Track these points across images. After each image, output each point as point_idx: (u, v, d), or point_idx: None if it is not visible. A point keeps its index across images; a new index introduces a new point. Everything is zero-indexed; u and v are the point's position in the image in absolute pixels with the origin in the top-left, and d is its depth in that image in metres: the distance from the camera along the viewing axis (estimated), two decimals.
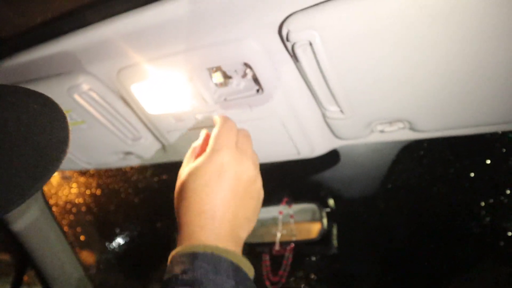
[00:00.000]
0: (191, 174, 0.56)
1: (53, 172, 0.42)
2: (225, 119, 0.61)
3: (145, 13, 0.62)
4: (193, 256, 0.49)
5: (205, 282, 0.47)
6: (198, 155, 0.61)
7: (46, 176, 0.41)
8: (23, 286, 1.50)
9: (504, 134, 1.30)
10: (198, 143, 0.65)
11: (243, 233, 0.57)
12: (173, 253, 0.52)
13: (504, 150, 1.32)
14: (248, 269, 0.52)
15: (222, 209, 0.54)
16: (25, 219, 1.31)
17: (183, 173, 0.58)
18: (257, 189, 0.59)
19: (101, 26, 0.66)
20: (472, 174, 1.38)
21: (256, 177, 0.59)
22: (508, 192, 1.37)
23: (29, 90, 0.45)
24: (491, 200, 1.40)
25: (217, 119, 0.62)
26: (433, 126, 0.72)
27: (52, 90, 0.77)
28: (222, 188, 0.55)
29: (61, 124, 0.44)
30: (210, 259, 0.49)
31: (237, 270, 0.50)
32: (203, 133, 0.66)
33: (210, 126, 0.64)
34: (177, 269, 0.49)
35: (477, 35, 0.51)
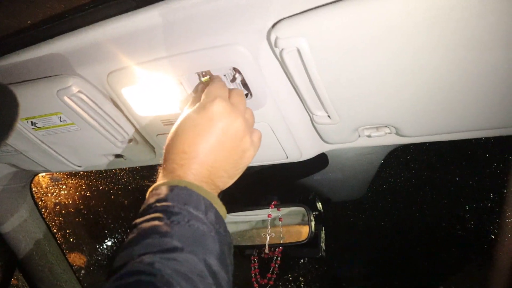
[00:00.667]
0: (183, 119, 0.59)
1: None
2: (218, 77, 0.63)
3: (135, 17, 0.63)
4: (169, 189, 0.52)
5: (177, 210, 0.49)
6: (194, 103, 0.63)
7: None
8: None
9: (488, 139, 1.33)
10: (194, 95, 0.67)
11: (219, 183, 0.59)
12: (150, 188, 0.55)
13: (487, 155, 1.35)
14: (219, 206, 0.55)
15: (203, 154, 0.56)
16: (14, 221, 1.30)
17: (177, 119, 0.61)
18: (243, 147, 0.60)
19: (91, 29, 0.67)
20: (457, 179, 1.40)
21: (244, 134, 0.60)
22: (491, 196, 1.40)
23: None
24: (475, 204, 1.42)
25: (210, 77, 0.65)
26: (419, 132, 0.73)
27: (41, 92, 0.77)
28: (208, 135, 0.57)
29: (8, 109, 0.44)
30: (184, 192, 0.52)
31: (207, 203, 0.53)
32: (199, 85, 0.67)
33: None
34: (152, 200, 0.52)
35: (461, 44, 0.53)
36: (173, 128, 0.60)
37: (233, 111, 0.59)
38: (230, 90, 0.63)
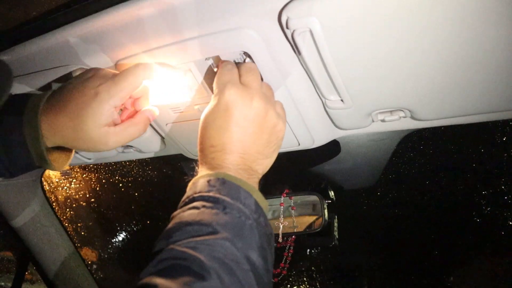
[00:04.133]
0: (204, 116, 0.60)
1: None
2: (224, 63, 0.62)
3: (142, 4, 0.61)
4: (206, 181, 0.53)
5: (214, 200, 0.50)
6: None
7: None
8: (25, 283, 1.50)
9: (505, 123, 1.30)
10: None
11: (257, 166, 0.59)
12: (190, 182, 0.56)
13: (504, 139, 1.32)
14: (259, 197, 0.54)
15: (230, 144, 0.57)
16: (25, 215, 1.30)
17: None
18: (270, 123, 0.59)
19: (97, 18, 0.65)
20: (473, 164, 1.38)
21: (267, 110, 0.59)
22: (509, 182, 1.37)
23: None
24: (492, 190, 1.40)
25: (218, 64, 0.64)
26: (434, 115, 0.71)
27: (49, 83, 0.76)
28: (229, 124, 0.57)
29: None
30: (222, 183, 0.53)
31: (247, 195, 0.52)
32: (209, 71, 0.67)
33: None
34: (190, 192, 0.53)
35: (478, 23, 0.51)
36: (199, 125, 0.61)
37: (247, 93, 0.58)
38: (240, 67, 0.61)
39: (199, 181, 0.54)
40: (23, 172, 0.61)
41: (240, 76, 0.60)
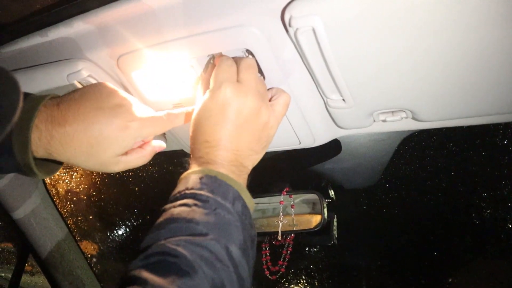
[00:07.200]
0: (198, 111, 0.60)
1: None
2: (224, 58, 0.62)
3: None
4: (198, 177, 0.54)
5: (205, 198, 0.51)
6: (206, 88, 0.63)
7: None
8: (25, 274, 1.51)
9: (507, 126, 1.30)
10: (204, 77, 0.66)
11: (248, 162, 0.60)
12: (181, 176, 0.57)
13: (506, 142, 1.31)
14: (247, 197, 0.56)
15: (225, 140, 0.57)
16: (26, 207, 1.31)
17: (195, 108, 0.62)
18: (262, 120, 0.60)
19: (101, 12, 0.65)
20: (473, 167, 1.37)
21: (260, 108, 0.60)
22: (510, 184, 1.36)
23: None
24: (492, 193, 1.39)
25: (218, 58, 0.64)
26: (436, 116, 0.71)
27: (52, 76, 0.76)
28: (224, 121, 0.58)
29: (11, 93, 0.41)
30: (213, 181, 0.54)
31: (235, 194, 0.54)
32: (209, 65, 0.67)
33: None
34: (182, 187, 0.54)
35: (481, 25, 0.50)
36: (192, 119, 0.61)
37: (242, 91, 0.58)
38: (239, 63, 0.62)
39: (191, 177, 0.55)
40: (10, 173, 0.60)
41: (238, 72, 0.61)
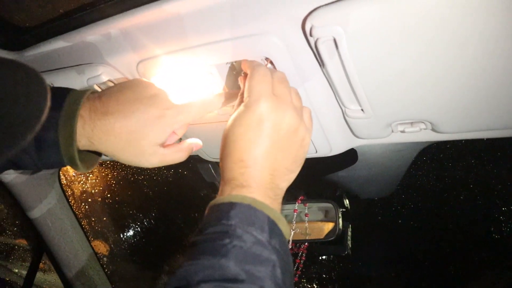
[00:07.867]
0: (231, 125, 0.56)
1: (14, 150, 0.37)
2: (256, 65, 0.59)
3: (165, 6, 0.61)
4: (231, 207, 0.50)
5: (239, 232, 0.47)
6: (240, 102, 0.59)
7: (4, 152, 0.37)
8: (39, 272, 1.53)
9: None
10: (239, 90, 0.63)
11: (283, 183, 0.57)
12: (211, 203, 0.53)
13: None
14: (284, 226, 0.52)
15: (261, 158, 0.54)
16: (42, 207, 1.33)
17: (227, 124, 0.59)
18: (299, 138, 0.57)
19: (122, 18, 0.66)
20: (493, 180, 1.34)
21: (298, 125, 0.56)
22: None
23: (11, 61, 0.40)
24: None
25: (247, 64, 0.61)
26: (456, 128, 0.69)
27: (72, 80, 0.78)
28: (261, 138, 0.54)
29: (37, 98, 0.40)
30: (247, 211, 0.50)
31: (272, 225, 0.50)
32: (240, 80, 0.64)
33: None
34: (213, 216, 0.50)
35: (505, 36, 0.49)
36: (224, 134, 0.57)
37: (281, 106, 0.55)
38: (273, 76, 0.58)
39: (224, 205, 0.51)
40: (50, 169, 0.61)
41: (273, 85, 0.57)
